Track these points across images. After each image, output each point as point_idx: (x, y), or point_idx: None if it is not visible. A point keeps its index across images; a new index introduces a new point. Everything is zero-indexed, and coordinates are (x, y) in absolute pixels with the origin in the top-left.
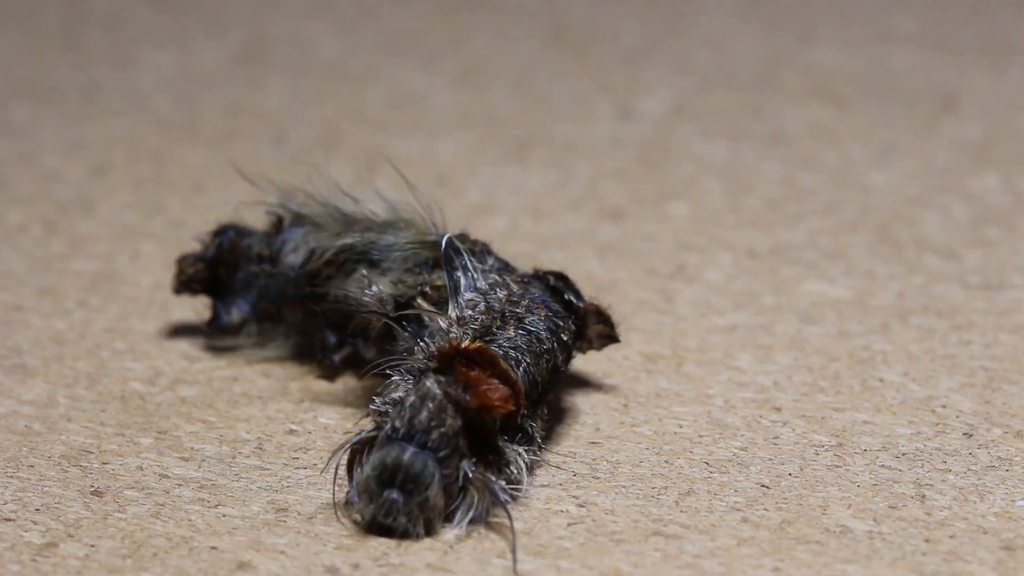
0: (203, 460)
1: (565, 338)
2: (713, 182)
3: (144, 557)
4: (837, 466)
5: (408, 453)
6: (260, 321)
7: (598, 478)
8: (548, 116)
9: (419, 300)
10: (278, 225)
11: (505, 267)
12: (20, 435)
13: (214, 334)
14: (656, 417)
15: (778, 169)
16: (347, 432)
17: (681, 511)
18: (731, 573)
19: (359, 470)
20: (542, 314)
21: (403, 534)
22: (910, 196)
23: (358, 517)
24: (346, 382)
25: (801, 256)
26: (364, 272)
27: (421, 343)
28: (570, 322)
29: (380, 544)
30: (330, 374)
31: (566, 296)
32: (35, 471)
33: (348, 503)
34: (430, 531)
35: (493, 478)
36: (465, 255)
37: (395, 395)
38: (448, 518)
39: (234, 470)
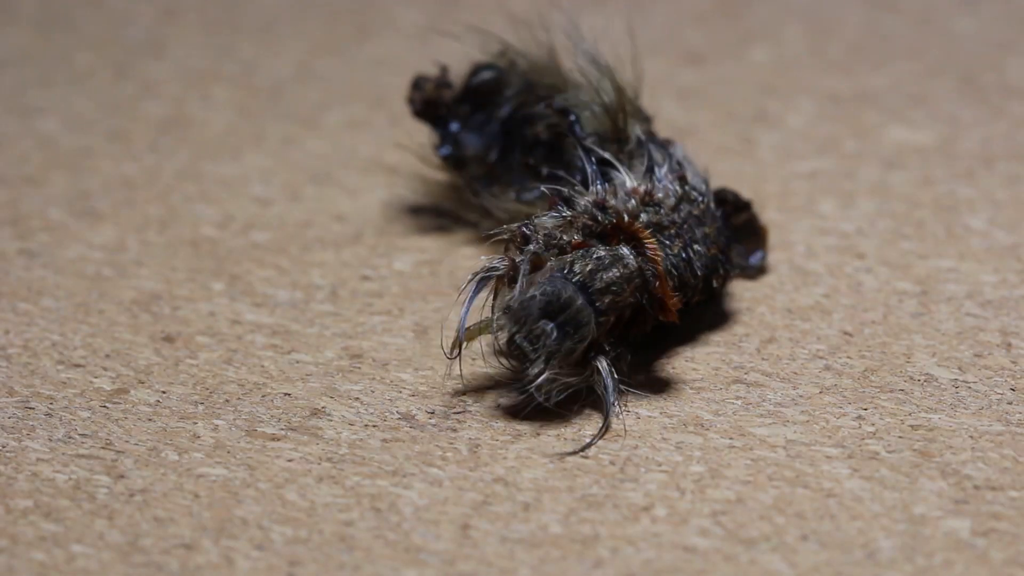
0: (276, 306)
1: (714, 284)
2: (795, 26)
3: (216, 403)
4: (921, 313)
5: (581, 300)
6: (480, 163)
7: (678, 325)
8: None
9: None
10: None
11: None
12: (90, 280)
13: (447, 163)
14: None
15: (860, 13)
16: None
17: (763, 358)
18: (813, 421)
19: (510, 290)
20: (712, 251)
21: (521, 368)
22: (996, 41)
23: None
24: (424, 229)
25: (884, 101)
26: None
27: (599, 188)
28: (725, 267)
29: (455, 392)
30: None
31: (752, 210)
32: (105, 317)
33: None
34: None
35: (616, 375)
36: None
37: (548, 223)
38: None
39: (307, 316)
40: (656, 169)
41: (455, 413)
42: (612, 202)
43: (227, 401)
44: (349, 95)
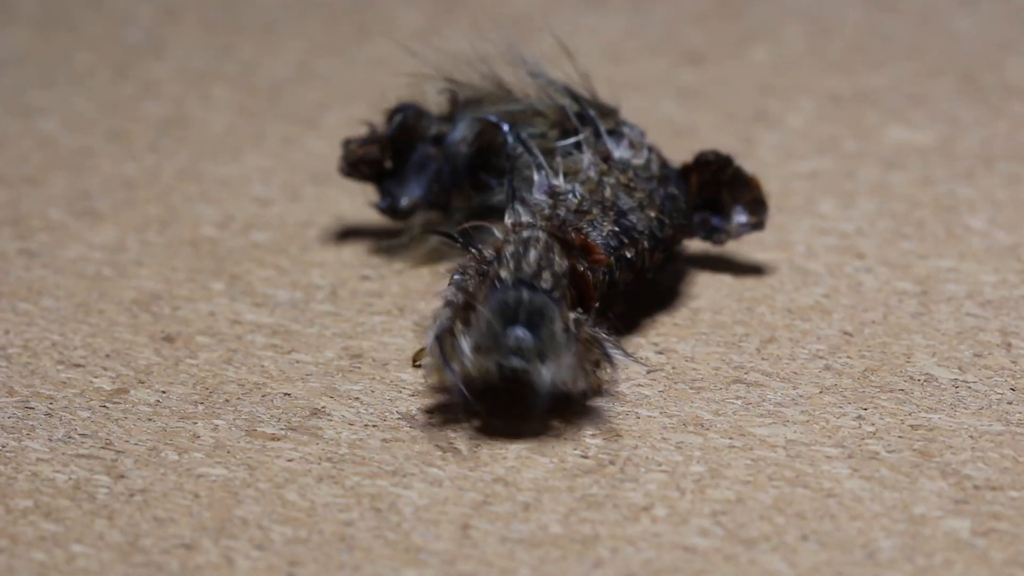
0: (276, 306)
1: (659, 236)
2: (795, 26)
3: (216, 403)
4: (921, 313)
5: (525, 291)
6: (430, 208)
7: (677, 325)
8: None
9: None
10: (454, 104)
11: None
12: (90, 280)
13: (386, 216)
14: (737, 263)
15: (860, 13)
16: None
17: (763, 358)
18: (813, 421)
19: (467, 335)
20: (652, 214)
21: (527, 381)
22: (996, 41)
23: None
24: (424, 228)
25: (884, 101)
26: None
27: (517, 207)
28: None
29: (455, 394)
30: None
31: (735, 163)
32: (105, 316)
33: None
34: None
35: (601, 333)
36: (602, 132)
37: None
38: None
39: (307, 316)
40: (583, 154)
41: (455, 413)
42: (528, 216)
43: (227, 401)
44: (349, 95)
